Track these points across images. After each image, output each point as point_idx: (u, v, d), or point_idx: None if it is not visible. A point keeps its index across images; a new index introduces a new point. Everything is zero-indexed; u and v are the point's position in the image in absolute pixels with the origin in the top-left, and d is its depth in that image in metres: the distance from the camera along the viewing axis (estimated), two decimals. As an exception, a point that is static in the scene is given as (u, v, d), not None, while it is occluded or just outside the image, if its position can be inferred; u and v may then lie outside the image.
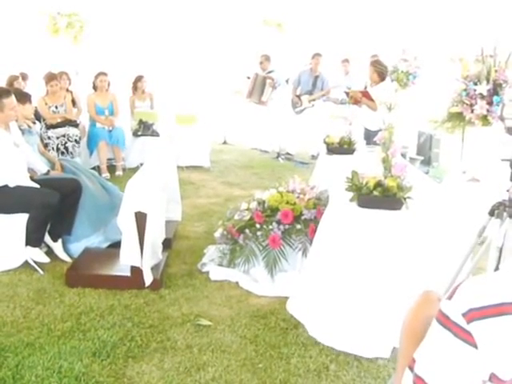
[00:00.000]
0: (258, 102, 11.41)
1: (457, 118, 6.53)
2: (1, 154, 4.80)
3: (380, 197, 3.75)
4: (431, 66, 10.38)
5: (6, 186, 4.81)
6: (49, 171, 5.51)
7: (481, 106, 5.96)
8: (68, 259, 5.08)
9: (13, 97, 4.93)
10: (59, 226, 5.12)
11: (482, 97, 6.00)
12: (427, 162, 9.39)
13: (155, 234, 4.58)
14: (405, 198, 3.76)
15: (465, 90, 6.21)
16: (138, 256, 4.41)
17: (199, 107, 10.42)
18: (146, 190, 4.43)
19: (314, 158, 10.08)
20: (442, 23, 11.18)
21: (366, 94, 6.91)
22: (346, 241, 3.73)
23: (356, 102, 7.06)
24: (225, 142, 12.36)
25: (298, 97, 10.98)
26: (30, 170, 5.27)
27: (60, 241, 5.15)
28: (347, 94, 7.48)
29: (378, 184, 3.77)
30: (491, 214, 2.28)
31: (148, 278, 4.43)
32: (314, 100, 10.91)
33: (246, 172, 9.49)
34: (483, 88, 5.97)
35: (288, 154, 10.92)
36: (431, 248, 3.51)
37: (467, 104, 6.17)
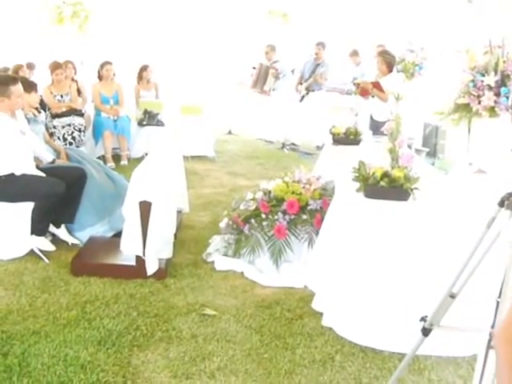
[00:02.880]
0: (260, 92, 11.40)
1: (464, 109, 6.48)
2: (7, 142, 4.79)
3: (387, 187, 3.73)
4: (437, 57, 10.32)
5: (12, 175, 4.81)
6: (54, 160, 5.50)
7: (488, 98, 5.91)
8: (75, 241, 5.11)
9: (20, 84, 4.93)
10: (62, 213, 5.11)
11: (490, 88, 5.95)
12: (433, 153, 9.35)
13: (163, 224, 4.55)
14: (412, 189, 3.74)
15: (472, 81, 6.16)
16: (139, 245, 4.41)
17: (204, 97, 10.40)
18: (151, 180, 4.42)
19: (318, 148, 10.06)
20: (448, 14, 11.11)
21: (376, 85, 6.86)
22: (352, 231, 3.72)
23: (364, 93, 7.02)
24: (230, 133, 12.34)
25: (301, 84, 10.98)
26: (36, 159, 5.26)
27: (63, 226, 5.15)
28: (357, 85, 7.42)
29: (385, 174, 3.75)
30: (501, 204, 2.25)
31: (151, 268, 4.42)
32: (308, 87, 10.86)
33: (251, 162, 9.48)
34: (491, 79, 5.92)
35: (293, 144, 10.91)
36: (438, 239, 3.49)
37: (474, 95, 6.12)
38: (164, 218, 4.51)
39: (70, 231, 5.21)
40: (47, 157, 5.47)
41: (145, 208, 4.34)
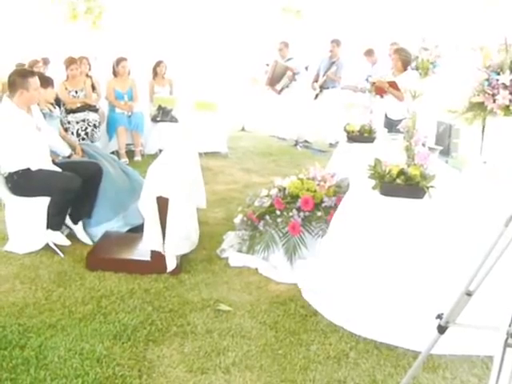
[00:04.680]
0: (272, 89, 11.40)
1: (478, 107, 6.45)
2: (23, 138, 4.83)
3: (403, 185, 3.73)
4: (452, 55, 10.27)
5: (29, 170, 4.85)
6: (71, 154, 5.54)
7: (503, 96, 5.88)
8: (89, 241, 5.14)
9: (37, 78, 4.99)
10: (80, 208, 5.17)
11: (505, 87, 5.91)
12: (446, 152, 9.31)
13: (184, 220, 4.56)
14: (428, 187, 3.74)
15: (487, 79, 6.13)
16: (159, 241, 4.43)
17: (218, 94, 10.41)
18: (167, 175, 4.43)
19: (331, 146, 10.06)
20: (462, 11, 11.06)
21: (392, 85, 6.83)
22: (368, 228, 3.73)
23: (380, 92, 6.99)
24: (243, 129, 12.36)
25: (316, 82, 10.98)
26: (52, 154, 5.30)
27: (81, 223, 5.19)
28: (372, 83, 7.38)
29: (401, 172, 3.75)
30: (520, 203, 2.26)
31: (171, 264, 4.45)
32: (322, 85, 10.86)
33: (264, 159, 9.49)
34: (506, 78, 5.88)
35: (306, 141, 10.91)
36: (454, 237, 3.49)
37: (489, 94, 6.09)
38: (183, 213, 4.52)
39: (86, 226, 5.24)
40: (65, 151, 5.51)
41: (162, 204, 4.36)
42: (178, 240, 4.50)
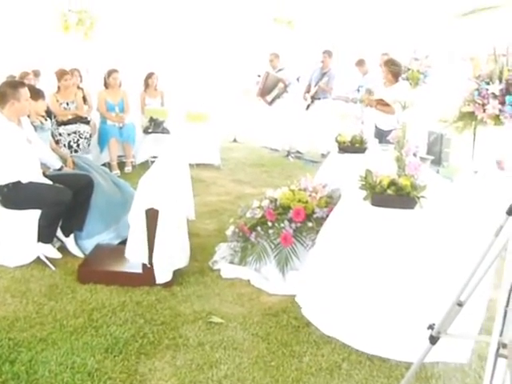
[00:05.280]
0: (263, 100, 11.42)
1: (468, 117, 6.49)
2: (14, 150, 4.82)
3: (394, 196, 3.74)
4: (442, 65, 10.32)
5: (19, 182, 4.83)
6: (62, 167, 5.53)
7: (493, 106, 5.92)
8: (80, 254, 5.12)
9: (27, 89, 5.01)
10: (71, 221, 5.15)
11: (495, 96, 5.95)
12: (437, 161, 9.34)
13: (174, 233, 4.55)
14: (418, 197, 3.75)
15: (477, 89, 6.17)
16: (145, 253, 4.42)
17: (209, 105, 10.42)
18: (158, 187, 4.43)
19: (323, 156, 10.06)
20: (452, 22, 11.12)
21: (380, 102, 6.87)
22: (359, 239, 3.72)
23: (371, 105, 7.03)
24: (235, 140, 12.37)
25: (307, 92, 11.03)
26: (43, 166, 5.28)
27: (72, 236, 5.18)
28: (363, 101, 7.42)
29: (392, 183, 3.76)
30: (509, 213, 2.26)
31: (162, 277, 4.43)
32: (313, 96, 10.90)
33: (256, 170, 9.50)
34: (495, 87, 5.93)
35: (298, 152, 10.93)
36: (445, 247, 3.50)
37: (479, 103, 6.13)
38: (173, 225, 4.51)
39: (77, 239, 5.22)
40: (55, 164, 5.50)
41: (152, 215, 4.35)
42: (173, 253, 4.48)
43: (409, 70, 9.09)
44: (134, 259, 4.50)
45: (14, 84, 5.08)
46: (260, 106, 11.65)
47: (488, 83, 6.07)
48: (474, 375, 3.33)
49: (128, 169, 8.80)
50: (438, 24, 11.14)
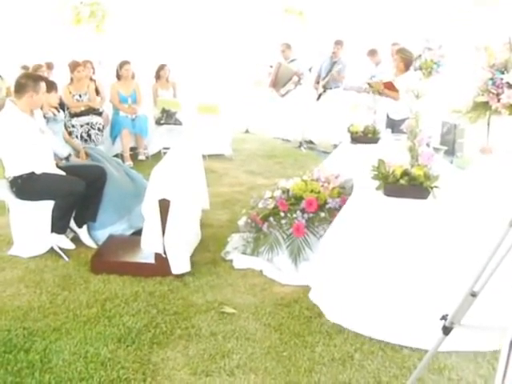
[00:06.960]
0: (276, 91, 11.40)
1: (482, 107, 6.43)
2: (27, 141, 4.84)
3: (407, 186, 3.72)
4: (456, 55, 10.23)
5: (33, 173, 4.85)
6: (70, 155, 5.56)
7: (508, 95, 5.86)
8: (93, 245, 5.14)
9: (44, 83, 5.05)
10: (84, 212, 5.17)
11: (509, 85, 5.90)
12: (451, 151, 9.29)
13: (188, 223, 4.55)
14: (432, 187, 3.73)
15: (491, 78, 6.11)
16: (159, 243, 4.43)
17: (221, 96, 10.41)
18: (170, 178, 4.43)
19: (335, 146, 10.02)
20: (466, 11, 11.03)
21: (387, 85, 6.81)
22: (372, 229, 3.72)
23: (378, 88, 6.98)
24: (247, 131, 12.36)
25: (318, 83, 11.00)
26: (56, 157, 5.31)
27: (85, 227, 5.20)
28: (369, 84, 7.36)
29: (405, 173, 3.75)
30: (524, 202, 2.24)
31: (179, 267, 4.44)
32: (325, 85, 10.86)
33: (269, 161, 9.48)
34: (510, 77, 5.87)
35: (310, 142, 10.90)
36: (458, 237, 3.48)
37: (493, 93, 6.07)
38: (184, 216, 4.51)
39: (91, 229, 5.24)
40: (63, 151, 5.53)
41: (164, 206, 4.36)
42: (183, 242, 4.49)
43: (419, 57, 9.01)
44: (148, 249, 4.51)
45: (36, 77, 5.15)
46: (272, 96, 11.62)
47: (503, 72, 6.01)
48: (488, 366, 3.31)
49: (141, 157, 8.88)
50: (451, 13, 11.05)
